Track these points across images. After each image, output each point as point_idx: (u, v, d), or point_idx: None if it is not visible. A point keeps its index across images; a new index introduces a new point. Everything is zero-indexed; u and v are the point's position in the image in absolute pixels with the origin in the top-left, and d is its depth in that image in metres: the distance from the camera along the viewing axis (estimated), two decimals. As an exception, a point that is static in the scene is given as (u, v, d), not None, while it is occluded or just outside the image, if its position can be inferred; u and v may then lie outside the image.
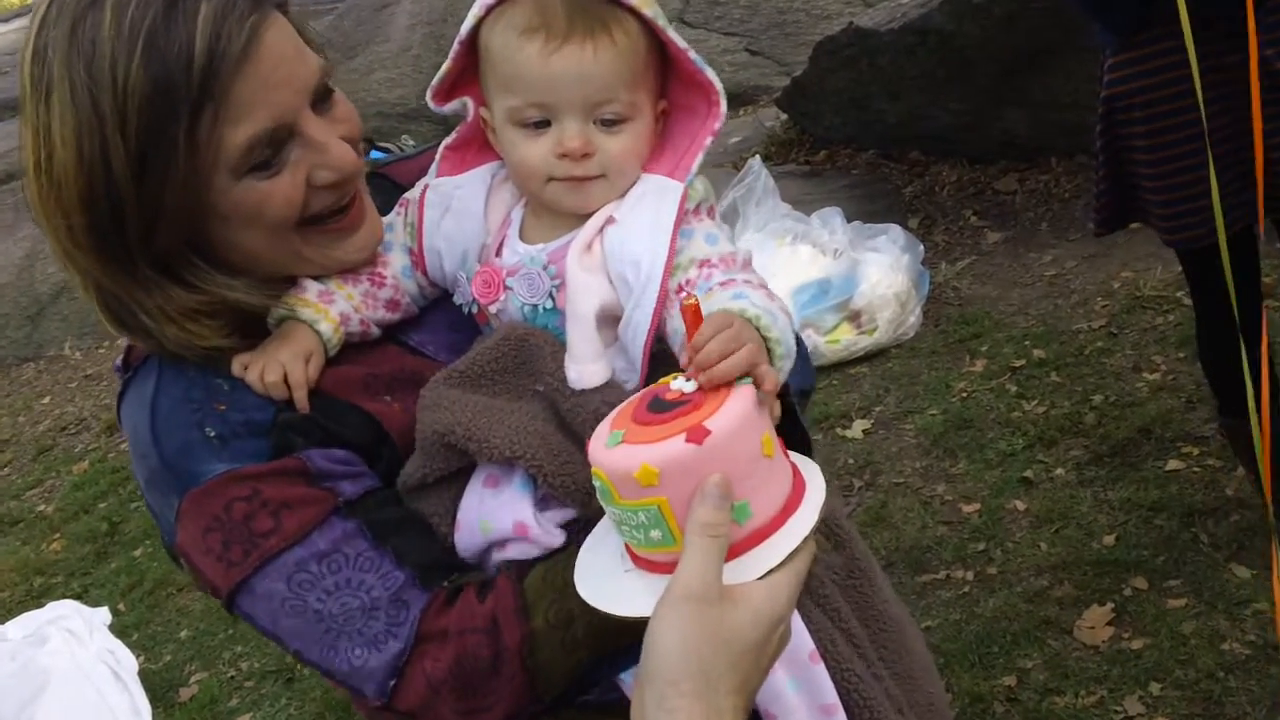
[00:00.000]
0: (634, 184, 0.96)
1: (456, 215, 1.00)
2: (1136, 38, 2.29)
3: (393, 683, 0.89)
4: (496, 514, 0.91)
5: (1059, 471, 3.15)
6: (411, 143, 5.89)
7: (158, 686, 3.39)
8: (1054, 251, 4.41)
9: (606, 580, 0.79)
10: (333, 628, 0.90)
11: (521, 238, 0.98)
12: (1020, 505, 3.08)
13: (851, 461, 3.51)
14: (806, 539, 0.76)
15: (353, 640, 0.90)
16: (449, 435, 0.90)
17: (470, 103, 0.98)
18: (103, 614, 3.38)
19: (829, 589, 1.00)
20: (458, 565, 0.95)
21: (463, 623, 0.90)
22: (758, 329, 0.84)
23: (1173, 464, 3.02)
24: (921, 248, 4.34)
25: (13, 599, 4.14)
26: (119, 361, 1.04)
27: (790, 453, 0.82)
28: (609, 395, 0.90)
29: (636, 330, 0.92)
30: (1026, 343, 3.83)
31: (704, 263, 0.93)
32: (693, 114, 0.97)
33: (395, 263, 1.04)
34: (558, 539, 0.92)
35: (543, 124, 0.92)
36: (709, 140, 0.95)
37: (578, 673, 0.91)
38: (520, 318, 0.97)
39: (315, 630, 0.91)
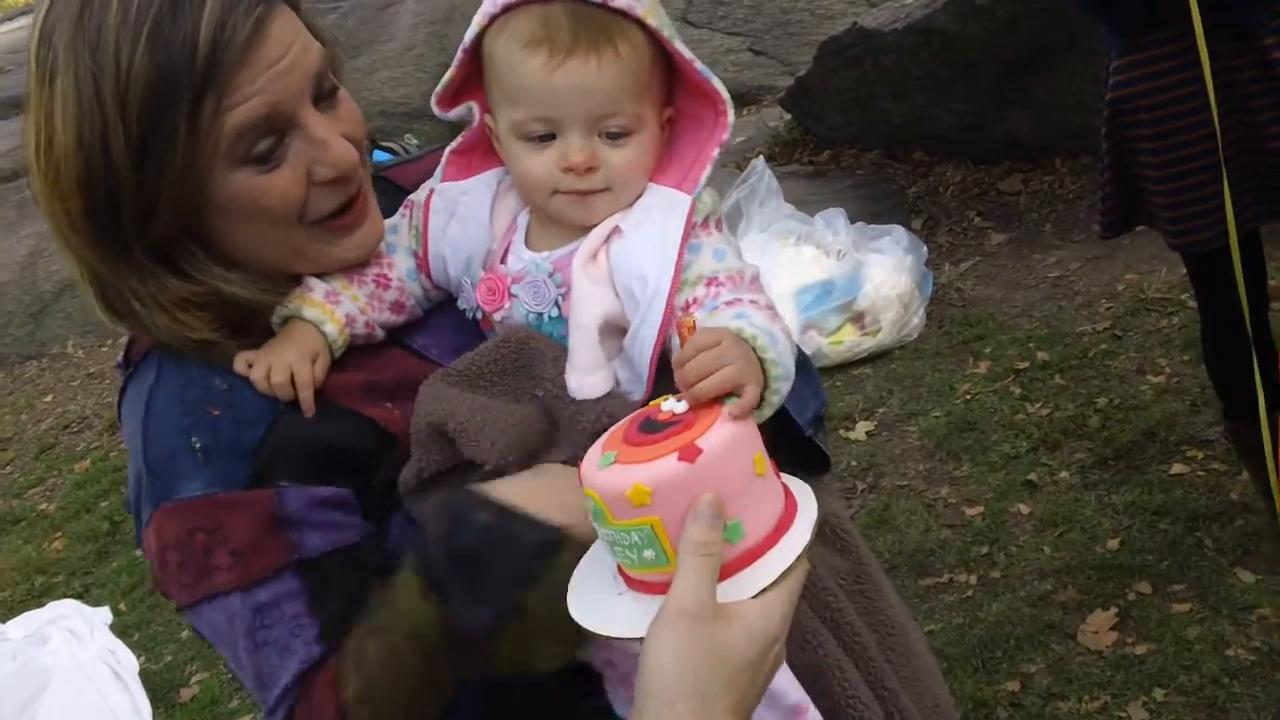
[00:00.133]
0: (641, 195, 0.95)
1: (462, 221, 1.00)
2: (1141, 40, 2.28)
3: None
4: None
5: (1063, 475, 3.14)
6: (415, 142, 5.88)
7: (158, 686, 3.38)
8: (1058, 253, 4.39)
9: (599, 603, 0.79)
10: (253, 678, 0.93)
11: (527, 244, 0.97)
12: (1024, 509, 3.07)
13: (854, 463, 3.50)
14: (799, 558, 0.76)
15: (260, 698, 0.93)
16: (442, 425, 0.90)
17: (475, 108, 0.98)
18: (104, 614, 3.38)
19: (840, 600, 0.99)
20: None
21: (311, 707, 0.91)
22: (754, 349, 0.83)
23: (1177, 468, 3.01)
24: (925, 249, 4.33)
25: (14, 598, 4.13)
26: (120, 358, 1.04)
27: (782, 474, 0.82)
28: (610, 406, 0.90)
29: (643, 345, 0.91)
30: (1030, 345, 3.81)
31: (711, 280, 0.92)
32: (699, 123, 0.96)
33: (400, 265, 1.03)
34: None
35: (547, 137, 0.92)
36: (717, 151, 0.95)
37: None
38: (525, 325, 0.96)
39: (243, 673, 0.94)
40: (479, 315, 0.99)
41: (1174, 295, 3.78)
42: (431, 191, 1.02)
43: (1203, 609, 2.56)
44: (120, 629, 3.47)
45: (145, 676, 3.26)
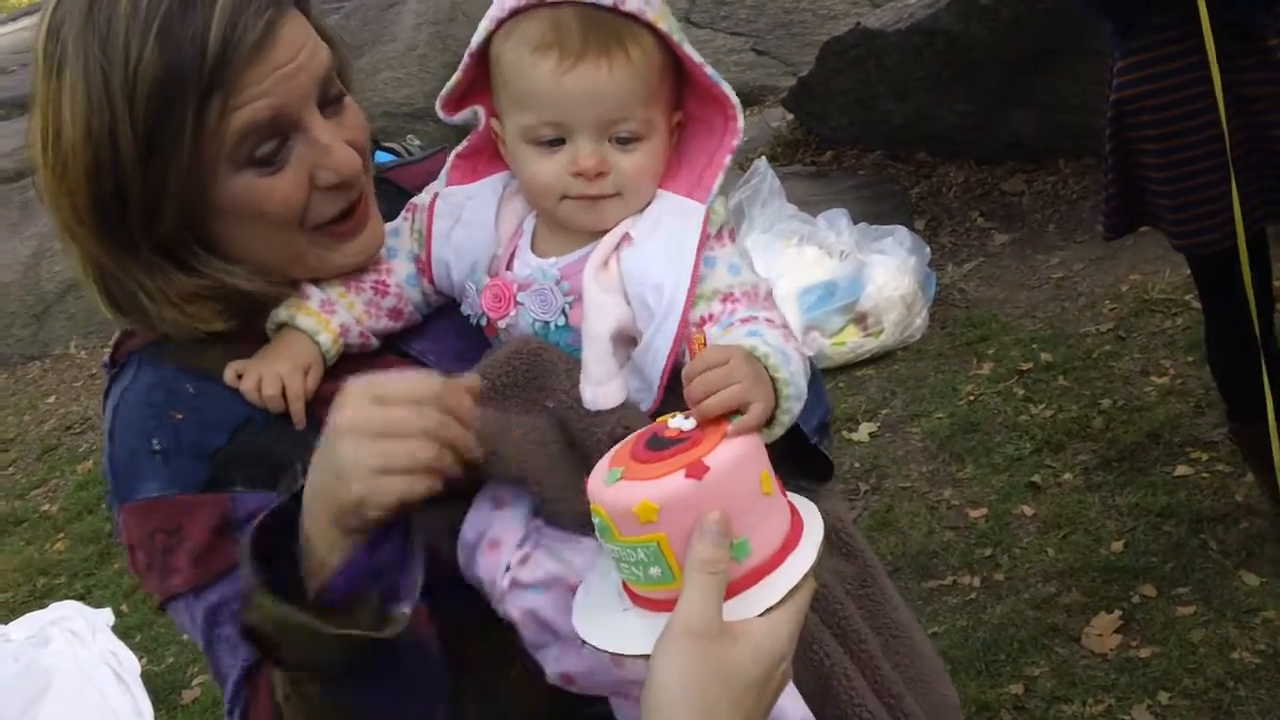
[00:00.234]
0: (651, 201, 0.94)
1: (467, 226, 0.99)
2: (1146, 40, 2.27)
3: None
4: (503, 535, 0.90)
5: (1067, 476, 3.13)
6: (417, 143, 5.88)
7: (160, 688, 3.38)
8: (1061, 254, 4.38)
9: (605, 619, 0.78)
10: (215, 676, 0.95)
11: (533, 250, 0.97)
12: (1028, 510, 3.06)
13: (857, 465, 3.49)
14: (806, 577, 0.76)
15: (224, 696, 0.93)
16: None
17: (481, 111, 0.97)
18: (106, 615, 3.37)
19: (846, 608, 0.98)
20: None
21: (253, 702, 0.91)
22: (765, 367, 0.83)
23: (1181, 469, 3.00)
24: (928, 249, 4.32)
25: (16, 599, 4.13)
26: (106, 358, 1.04)
27: (789, 492, 0.81)
28: (624, 417, 0.89)
29: (656, 355, 0.91)
30: (1034, 346, 3.80)
31: (727, 296, 0.92)
32: (709, 128, 0.95)
33: (400, 270, 1.02)
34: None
35: (557, 142, 0.91)
36: (728, 159, 0.94)
37: None
38: (531, 333, 0.95)
39: (209, 664, 0.95)
40: (484, 322, 0.98)
41: (1178, 296, 3.78)
42: (436, 195, 1.01)
43: (1207, 612, 2.55)
44: (122, 630, 3.47)
45: (147, 678, 3.25)
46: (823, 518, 0.82)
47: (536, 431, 0.90)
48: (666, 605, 0.74)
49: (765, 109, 6.18)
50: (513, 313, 0.95)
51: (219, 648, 0.93)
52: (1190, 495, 2.90)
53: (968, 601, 2.81)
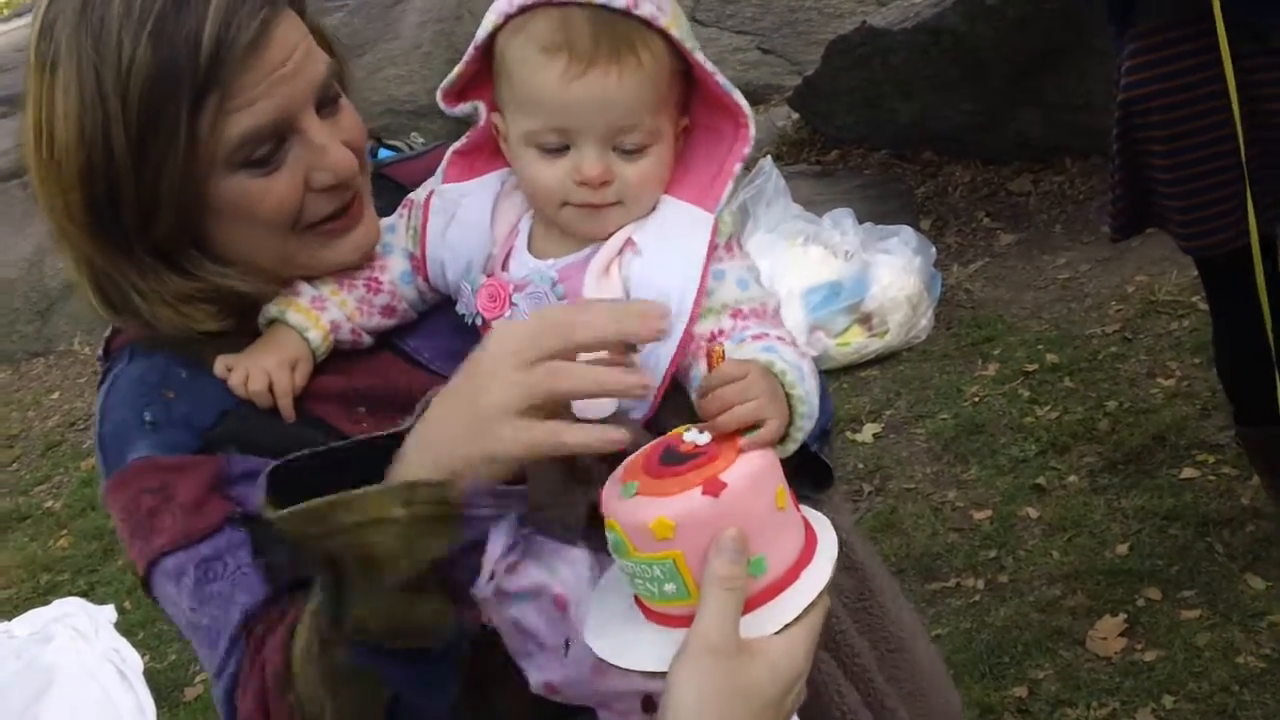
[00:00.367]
0: (656, 207, 0.93)
1: (462, 224, 0.98)
2: (1154, 39, 2.25)
3: (233, 715, 0.87)
4: (496, 539, 0.89)
5: (1072, 478, 3.12)
6: (421, 140, 5.87)
7: (163, 686, 3.39)
8: (1067, 254, 4.37)
9: (619, 634, 0.77)
10: (204, 641, 0.90)
11: (530, 250, 0.95)
12: (1032, 512, 3.05)
13: (861, 466, 3.48)
14: (821, 594, 0.75)
15: (210, 663, 0.89)
16: None
17: (482, 107, 0.95)
18: (108, 612, 3.37)
19: (842, 621, 0.98)
20: None
21: (264, 656, 0.87)
22: (782, 384, 0.82)
23: (1187, 472, 2.99)
24: (933, 249, 4.30)
25: (19, 596, 4.14)
26: (100, 352, 1.04)
27: (801, 506, 0.81)
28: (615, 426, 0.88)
29: (658, 364, 0.89)
30: (1039, 347, 3.79)
31: (736, 312, 0.91)
32: (717, 135, 0.93)
33: (394, 268, 1.01)
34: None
35: (560, 148, 0.89)
36: (738, 167, 0.92)
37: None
38: None
39: (197, 643, 0.91)
40: (479, 322, 0.97)
41: (1185, 298, 3.76)
42: (431, 193, 1.00)
43: (1213, 615, 2.54)
44: (125, 627, 3.47)
45: (150, 675, 3.25)
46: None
47: None
48: (682, 621, 0.74)
49: (770, 108, 6.16)
50: (507, 314, 0.94)
51: (211, 605, 0.89)
52: (1196, 498, 2.88)
53: (972, 604, 2.80)
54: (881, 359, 4.02)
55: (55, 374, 6.22)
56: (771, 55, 6.59)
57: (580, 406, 0.88)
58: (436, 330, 1.03)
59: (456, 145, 1.00)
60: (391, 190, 1.07)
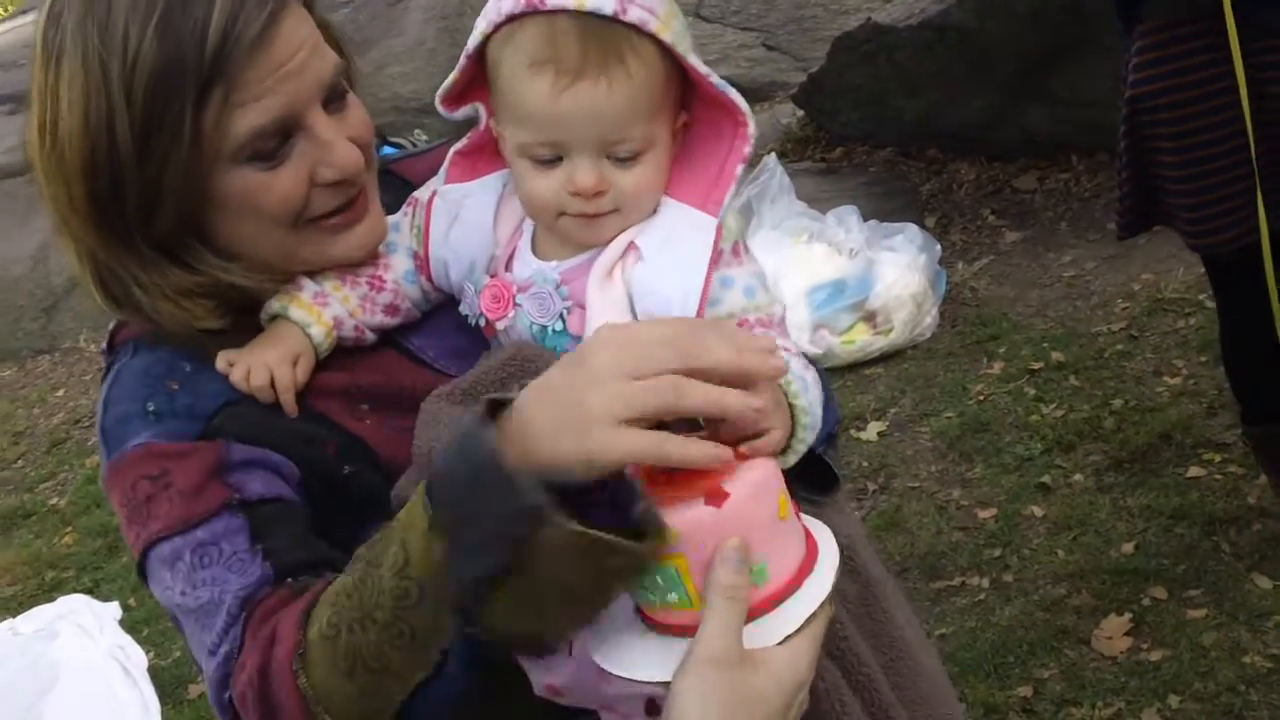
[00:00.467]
0: (657, 209, 0.92)
1: (464, 225, 0.97)
2: (1163, 35, 2.24)
3: (227, 695, 0.84)
4: None
5: (1077, 477, 3.11)
6: (424, 137, 5.88)
7: (167, 683, 3.39)
8: (1073, 252, 4.35)
9: (621, 643, 0.77)
10: (197, 626, 0.88)
11: (534, 251, 0.95)
12: (1037, 511, 3.04)
13: (865, 464, 3.48)
14: (824, 603, 0.75)
15: (203, 644, 0.87)
16: None
17: (482, 108, 0.95)
18: (113, 609, 3.38)
19: (846, 628, 0.97)
20: (337, 567, 0.86)
21: (271, 630, 0.83)
22: (785, 394, 0.82)
23: (1194, 471, 2.97)
24: (939, 247, 4.29)
25: (24, 593, 4.15)
26: (103, 346, 1.04)
27: (803, 515, 0.81)
28: None
29: None
30: (1045, 345, 3.78)
31: (743, 321, 0.91)
32: (718, 132, 0.92)
33: (398, 266, 1.01)
34: None
35: (554, 160, 0.89)
36: (740, 168, 0.91)
37: (372, 712, 0.79)
38: (529, 336, 0.94)
39: (185, 620, 0.89)
40: (482, 322, 0.96)
41: (1191, 296, 3.74)
42: (434, 193, 1.00)
43: (1219, 615, 2.53)
44: (130, 625, 3.47)
45: (154, 672, 3.25)
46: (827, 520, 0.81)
47: None
48: (684, 630, 0.74)
49: (775, 105, 6.15)
50: (511, 314, 0.93)
51: (203, 589, 0.87)
52: (1202, 497, 2.87)
53: (976, 603, 2.80)
54: (886, 357, 4.01)
55: (60, 371, 6.23)
56: (776, 52, 6.57)
57: None
58: (440, 329, 1.02)
59: (458, 146, 0.99)
60: (398, 186, 1.06)
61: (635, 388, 0.72)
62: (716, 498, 0.73)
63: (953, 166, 5.11)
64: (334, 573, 0.86)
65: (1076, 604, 2.68)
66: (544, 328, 0.92)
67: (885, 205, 4.73)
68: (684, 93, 0.92)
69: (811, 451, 0.93)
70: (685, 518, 0.72)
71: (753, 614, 0.74)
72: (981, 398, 3.62)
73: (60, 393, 5.94)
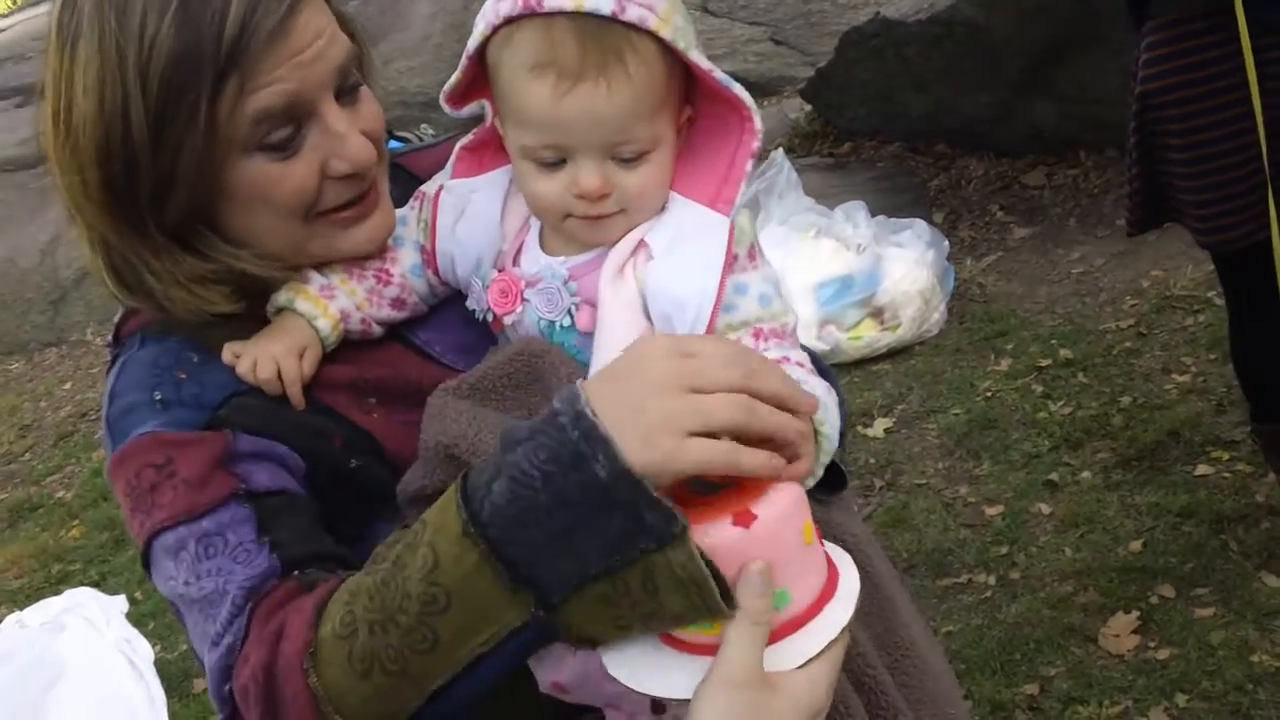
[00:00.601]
0: (666, 206, 0.91)
1: (471, 220, 0.97)
2: (1173, 31, 2.23)
3: (227, 687, 0.83)
4: None
5: (1085, 474, 3.10)
6: (431, 131, 5.87)
7: (173, 676, 3.40)
8: (1082, 248, 4.34)
9: (641, 658, 0.77)
10: (199, 616, 0.86)
11: (542, 246, 0.95)
12: (1045, 509, 3.03)
13: (872, 461, 3.47)
14: (844, 630, 0.75)
15: (205, 635, 0.85)
16: (453, 447, 0.86)
17: (488, 105, 0.95)
18: (120, 602, 3.38)
19: (856, 631, 0.96)
20: (344, 562, 0.86)
21: (279, 625, 0.81)
22: (812, 421, 0.81)
23: (1202, 469, 2.96)
24: (946, 243, 4.28)
25: (31, 585, 4.16)
26: (110, 338, 1.03)
27: (824, 541, 0.81)
28: None
29: None
30: (1053, 342, 3.77)
31: (758, 331, 0.90)
32: (724, 125, 0.91)
33: (405, 260, 1.01)
34: None
35: (558, 162, 0.88)
36: (749, 165, 0.90)
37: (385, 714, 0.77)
38: (536, 332, 0.93)
39: (187, 611, 0.88)
40: (489, 317, 0.96)
41: (1200, 293, 3.73)
42: (440, 188, 1.00)
43: (1227, 613, 2.52)
44: (136, 618, 3.48)
45: (160, 666, 3.26)
46: (836, 532, 0.81)
47: None
48: (704, 649, 0.74)
49: (783, 100, 6.14)
50: (519, 309, 0.93)
51: (207, 579, 0.85)
52: (1210, 495, 2.86)
53: (983, 600, 2.79)
54: (893, 353, 4.01)
55: (68, 364, 6.25)
56: (784, 47, 6.56)
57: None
58: (447, 323, 1.02)
59: (464, 141, 0.99)
60: (404, 181, 1.06)
61: (708, 402, 0.72)
62: (744, 519, 0.73)
63: (961, 162, 5.09)
64: (342, 568, 0.85)
65: (1084, 602, 2.67)
66: (552, 323, 0.92)
67: (893, 201, 4.72)
68: (688, 88, 0.91)
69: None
70: (712, 539, 0.72)
71: (774, 637, 0.74)
72: (989, 394, 3.61)
73: (67, 386, 5.96)
